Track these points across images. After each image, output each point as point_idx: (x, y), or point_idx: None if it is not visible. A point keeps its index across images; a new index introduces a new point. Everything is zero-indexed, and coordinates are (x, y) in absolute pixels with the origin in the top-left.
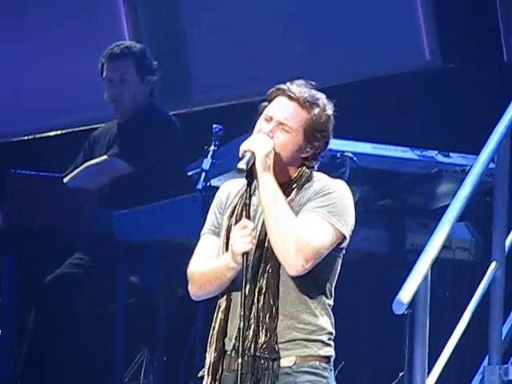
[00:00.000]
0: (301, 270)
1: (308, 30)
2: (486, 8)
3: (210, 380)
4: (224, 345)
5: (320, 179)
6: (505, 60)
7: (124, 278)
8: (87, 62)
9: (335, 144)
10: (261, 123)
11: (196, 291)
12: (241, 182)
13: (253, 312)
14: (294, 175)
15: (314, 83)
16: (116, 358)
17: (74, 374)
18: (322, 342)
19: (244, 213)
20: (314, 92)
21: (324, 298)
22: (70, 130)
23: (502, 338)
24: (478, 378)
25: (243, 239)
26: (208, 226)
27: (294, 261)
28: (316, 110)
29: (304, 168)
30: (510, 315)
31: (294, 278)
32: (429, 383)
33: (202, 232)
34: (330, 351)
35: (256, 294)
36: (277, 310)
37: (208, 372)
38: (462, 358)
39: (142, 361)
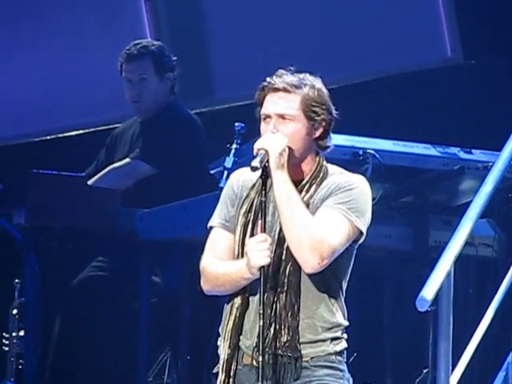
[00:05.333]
0: (317, 267)
1: (329, 28)
2: (506, 3)
3: (224, 377)
4: (239, 341)
5: (341, 173)
6: None
7: (147, 277)
8: (109, 60)
9: (357, 141)
10: (263, 127)
11: (209, 289)
12: (251, 176)
13: (273, 310)
14: (313, 170)
15: (292, 68)
16: (140, 357)
17: (98, 374)
18: (337, 338)
19: (260, 212)
20: (296, 75)
21: (340, 292)
22: (91, 130)
23: None
24: (501, 374)
25: (261, 253)
26: (218, 218)
27: (309, 259)
28: (305, 89)
29: (321, 160)
30: None
31: (313, 275)
32: (453, 380)
33: (212, 223)
34: (343, 345)
35: (278, 292)
36: (298, 308)
37: (222, 368)
38: (485, 354)
39: (166, 360)
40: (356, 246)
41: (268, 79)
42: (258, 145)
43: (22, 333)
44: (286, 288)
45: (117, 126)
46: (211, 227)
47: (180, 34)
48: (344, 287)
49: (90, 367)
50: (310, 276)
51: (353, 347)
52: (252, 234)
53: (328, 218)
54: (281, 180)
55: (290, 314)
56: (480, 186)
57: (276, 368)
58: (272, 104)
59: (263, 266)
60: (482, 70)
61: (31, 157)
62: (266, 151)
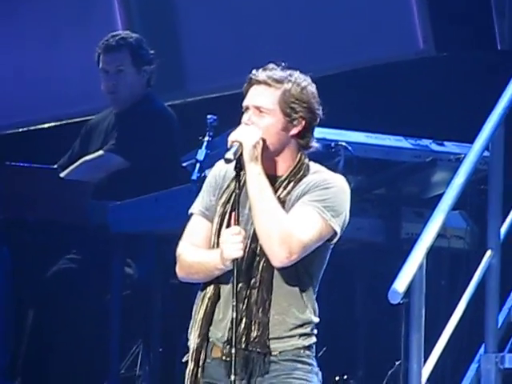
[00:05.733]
0: (285, 261)
1: (302, 20)
2: None
3: (193, 366)
4: (208, 331)
5: (320, 171)
6: (498, 47)
7: (119, 269)
8: (81, 53)
9: (329, 133)
10: (242, 118)
11: (183, 276)
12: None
13: (245, 305)
14: (292, 167)
15: (284, 64)
16: (112, 349)
17: (71, 367)
18: (307, 334)
19: (234, 204)
20: (284, 71)
21: (312, 289)
22: (64, 122)
23: (498, 326)
24: (474, 366)
25: (234, 246)
26: (199, 206)
27: (278, 252)
28: (287, 85)
29: (302, 157)
30: (506, 303)
31: (286, 272)
32: (425, 372)
33: (193, 210)
34: (313, 340)
35: (250, 287)
36: (270, 304)
37: (192, 358)
38: (458, 346)
39: (138, 352)
40: (331, 246)
41: (254, 72)
42: (231, 137)
43: None
44: (258, 284)
45: (90, 118)
46: (191, 214)
47: (152, 26)
48: (316, 285)
49: (62, 360)
50: (283, 273)
51: (325, 340)
52: (228, 225)
53: (301, 214)
54: (254, 173)
55: (261, 310)
56: (452, 177)
57: (245, 363)
58: (252, 96)
59: (236, 259)
60: (453, 61)
61: (3, 149)
62: (240, 143)
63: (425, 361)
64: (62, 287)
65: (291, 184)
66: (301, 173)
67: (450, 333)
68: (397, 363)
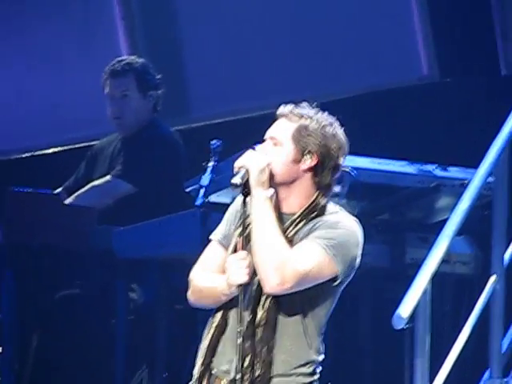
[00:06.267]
0: (277, 289)
1: (305, 46)
2: (482, 21)
3: None
4: (211, 362)
5: (336, 212)
6: (503, 72)
7: (124, 294)
8: (86, 78)
9: None
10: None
11: (193, 301)
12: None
13: (249, 343)
14: (305, 206)
15: (315, 104)
16: (117, 374)
17: None
18: (309, 373)
19: (242, 229)
20: (310, 109)
21: (317, 331)
22: (70, 147)
23: (503, 351)
24: None
25: (240, 271)
26: (219, 233)
27: (270, 278)
28: (306, 120)
29: (318, 197)
30: (510, 329)
31: (291, 312)
32: None
33: (212, 236)
34: (314, 378)
35: (255, 326)
36: (274, 343)
37: None
38: (462, 371)
39: (143, 377)
40: (336, 288)
41: (281, 106)
42: (238, 163)
43: None
44: (263, 322)
45: (94, 143)
46: (210, 240)
47: (156, 51)
48: (323, 325)
49: None
50: (288, 312)
51: (330, 367)
52: (236, 251)
53: (302, 247)
54: (260, 198)
55: (265, 349)
56: (456, 203)
57: None
58: (271, 128)
59: (241, 284)
60: (458, 87)
61: (8, 174)
62: (247, 169)
63: None
64: (67, 312)
65: (301, 223)
66: (314, 213)
67: (455, 358)
68: None
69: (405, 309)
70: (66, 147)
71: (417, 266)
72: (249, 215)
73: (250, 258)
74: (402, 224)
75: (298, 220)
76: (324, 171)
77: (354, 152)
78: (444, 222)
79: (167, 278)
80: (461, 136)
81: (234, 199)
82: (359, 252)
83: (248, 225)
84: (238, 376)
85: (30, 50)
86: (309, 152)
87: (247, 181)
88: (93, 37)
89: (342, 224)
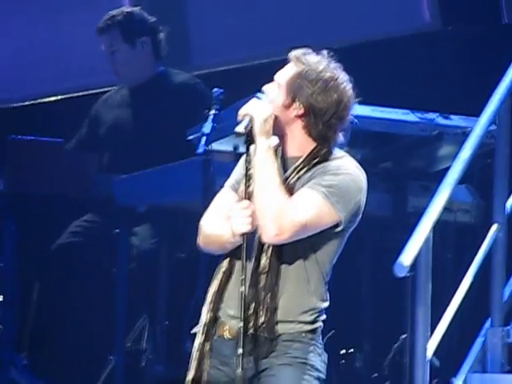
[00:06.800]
0: (274, 239)
1: None
2: None
3: (203, 339)
4: (219, 307)
5: (340, 158)
6: (504, 20)
7: (125, 242)
8: (87, 27)
9: None
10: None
11: (202, 246)
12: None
13: (254, 290)
14: (307, 153)
15: (331, 53)
16: (118, 322)
17: (77, 339)
18: (311, 321)
19: (245, 178)
20: (320, 57)
21: (321, 277)
22: (70, 96)
23: (504, 300)
24: (480, 340)
25: (243, 220)
26: (231, 179)
27: (268, 228)
28: (306, 68)
29: (318, 146)
30: None
31: (295, 259)
32: (431, 345)
33: (225, 183)
34: (317, 325)
35: (258, 273)
36: (277, 290)
37: (202, 331)
38: (464, 320)
39: (144, 325)
40: (341, 233)
41: (292, 51)
42: (242, 111)
43: (0, 298)
44: (267, 269)
45: (95, 91)
46: (223, 186)
47: (157, 1)
48: (327, 272)
49: (68, 332)
50: (291, 259)
51: (331, 315)
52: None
53: (301, 195)
54: (263, 147)
55: (269, 296)
56: (458, 151)
57: (253, 346)
58: (280, 70)
59: (245, 233)
60: (460, 35)
61: (9, 123)
62: (251, 117)
63: (431, 335)
64: (68, 260)
65: (303, 170)
66: (316, 159)
67: (456, 307)
68: (402, 337)
69: (407, 257)
70: (66, 96)
71: (419, 214)
72: (251, 163)
73: (253, 207)
74: (404, 172)
75: (300, 166)
76: (313, 122)
77: (356, 100)
78: (446, 170)
79: (169, 226)
80: (463, 84)
81: (235, 147)
82: (363, 198)
83: (251, 174)
84: (241, 324)
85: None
86: (298, 100)
87: (251, 129)
88: None
89: (344, 169)
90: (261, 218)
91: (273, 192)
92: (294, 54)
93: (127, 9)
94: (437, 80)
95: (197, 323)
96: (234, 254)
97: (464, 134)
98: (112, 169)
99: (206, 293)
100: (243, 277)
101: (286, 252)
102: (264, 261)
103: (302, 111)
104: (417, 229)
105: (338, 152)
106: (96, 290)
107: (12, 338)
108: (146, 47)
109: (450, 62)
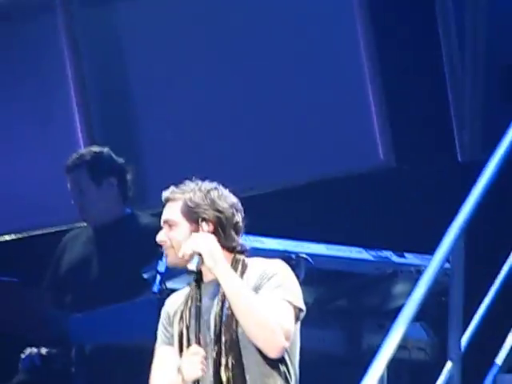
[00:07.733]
0: (282, 349)
1: (263, 132)
2: (439, 108)
3: None
4: None
5: (258, 264)
6: (459, 158)
7: (81, 380)
8: (44, 165)
9: (290, 245)
10: (157, 237)
11: None
12: (183, 292)
13: None
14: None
15: (193, 178)
16: None
17: None
18: None
19: (196, 318)
20: (190, 183)
21: (286, 372)
22: (24, 235)
23: None
24: None
25: (194, 366)
26: (160, 340)
27: (278, 340)
28: (187, 195)
29: (235, 256)
30: None
31: (257, 364)
32: None
33: (156, 346)
34: None
35: None
36: None
37: None
38: None
39: None
40: (299, 324)
41: (163, 193)
42: (187, 250)
43: None
44: (232, 382)
45: (52, 230)
46: (155, 350)
47: (112, 139)
48: (293, 365)
49: None
50: (254, 366)
51: None
52: (188, 339)
53: (274, 304)
54: (225, 272)
55: None
56: (413, 289)
57: None
58: (163, 213)
59: (197, 380)
60: (414, 174)
61: None
62: (199, 253)
63: None
64: None
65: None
66: (239, 269)
67: None
68: None
69: None
70: (21, 235)
71: (373, 352)
72: (201, 299)
73: (202, 352)
74: (359, 310)
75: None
76: (225, 232)
77: (310, 239)
78: (401, 308)
79: (124, 364)
80: (417, 221)
81: (189, 284)
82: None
83: (199, 307)
84: None
85: None
86: (203, 220)
87: (202, 264)
88: (50, 124)
89: (275, 269)
90: (269, 333)
91: (266, 308)
92: (166, 194)
93: (96, 148)
94: (391, 218)
95: None
96: None
97: (418, 272)
98: (69, 307)
99: None
100: None
101: (246, 360)
102: (226, 375)
103: (212, 227)
104: (371, 367)
105: (250, 259)
106: None
107: None
108: (111, 189)
109: (404, 200)
